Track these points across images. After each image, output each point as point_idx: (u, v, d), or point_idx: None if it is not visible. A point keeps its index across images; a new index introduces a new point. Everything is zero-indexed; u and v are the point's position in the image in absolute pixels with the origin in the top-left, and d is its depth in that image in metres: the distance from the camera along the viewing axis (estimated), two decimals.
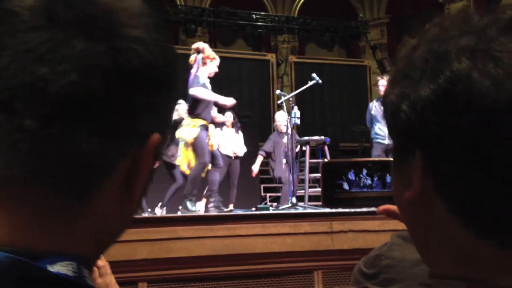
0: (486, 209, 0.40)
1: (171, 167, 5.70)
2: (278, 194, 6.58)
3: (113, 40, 0.38)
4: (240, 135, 6.35)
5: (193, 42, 9.91)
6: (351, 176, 0.79)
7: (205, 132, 4.86)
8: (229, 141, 6.23)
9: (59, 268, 0.36)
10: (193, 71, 4.99)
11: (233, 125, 6.30)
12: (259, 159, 6.55)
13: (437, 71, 0.41)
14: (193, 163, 4.89)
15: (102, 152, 0.38)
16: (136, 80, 0.39)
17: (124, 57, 0.38)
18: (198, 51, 5.00)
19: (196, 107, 4.91)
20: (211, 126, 4.99)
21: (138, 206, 0.44)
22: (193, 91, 4.82)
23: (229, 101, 5.10)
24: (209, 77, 5.02)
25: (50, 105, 0.36)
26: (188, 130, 4.88)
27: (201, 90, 4.84)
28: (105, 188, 0.40)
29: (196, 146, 4.82)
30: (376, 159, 0.81)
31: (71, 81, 0.36)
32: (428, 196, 0.43)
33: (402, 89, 0.44)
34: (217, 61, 5.05)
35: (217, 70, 5.09)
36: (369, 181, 0.79)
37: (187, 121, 4.97)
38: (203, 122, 4.86)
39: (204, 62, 4.96)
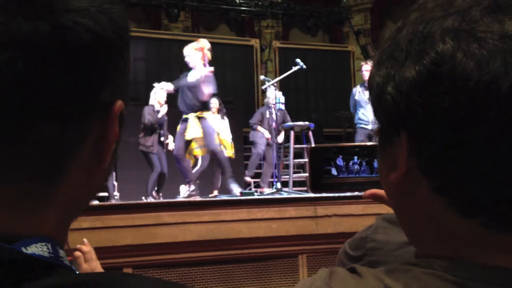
0: (470, 189, 0.40)
1: (149, 156, 5.68)
2: (258, 171, 6.63)
3: (56, 16, 0.36)
4: (226, 121, 6.31)
5: (176, 27, 9.84)
6: (339, 161, 0.80)
7: (183, 125, 4.99)
8: (215, 127, 6.19)
9: (34, 249, 0.36)
10: (203, 69, 5.02)
11: (218, 111, 6.25)
12: (261, 129, 6.49)
13: (422, 52, 0.41)
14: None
15: (67, 132, 0.38)
16: (87, 55, 0.38)
17: (71, 34, 0.37)
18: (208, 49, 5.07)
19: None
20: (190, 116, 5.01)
21: (108, 173, 0.44)
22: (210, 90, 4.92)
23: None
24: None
25: (1, 96, 0.35)
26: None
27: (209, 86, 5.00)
28: (75, 163, 0.40)
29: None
30: (363, 143, 0.81)
31: (18, 70, 0.35)
32: (413, 176, 0.43)
33: (387, 71, 0.44)
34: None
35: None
36: (356, 167, 0.80)
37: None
38: (184, 116, 5.01)
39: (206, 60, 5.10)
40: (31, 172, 0.38)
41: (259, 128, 6.44)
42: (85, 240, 1.44)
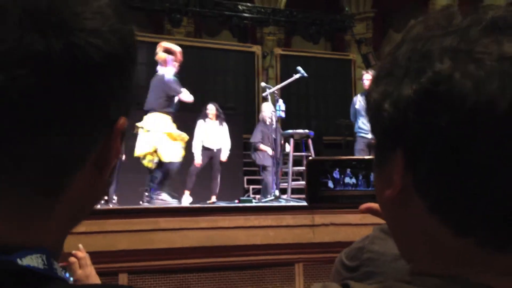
0: (464, 208, 0.40)
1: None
2: (259, 186, 6.57)
3: (68, 35, 0.37)
4: (224, 128, 6.30)
5: (179, 32, 9.87)
6: (336, 174, 0.79)
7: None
8: (211, 134, 6.19)
9: (29, 261, 0.36)
10: (165, 70, 5.00)
11: (216, 117, 6.24)
12: (264, 147, 6.36)
13: (420, 70, 0.41)
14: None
15: (72, 147, 0.39)
16: (97, 74, 0.39)
17: (82, 53, 0.38)
18: (170, 52, 5.04)
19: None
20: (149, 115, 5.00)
21: (108, 186, 0.45)
22: (186, 97, 4.94)
23: (190, 98, 5.18)
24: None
25: (12, 109, 0.36)
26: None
27: (188, 94, 4.95)
28: (77, 177, 0.40)
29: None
30: (361, 157, 0.81)
31: (30, 85, 0.36)
32: (408, 194, 0.44)
33: (385, 87, 0.44)
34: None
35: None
36: (353, 180, 0.79)
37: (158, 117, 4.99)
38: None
39: (174, 65, 5.06)
40: (33, 185, 0.38)
41: (262, 146, 6.33)
42: (80, 246, 1.43)
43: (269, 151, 6.20)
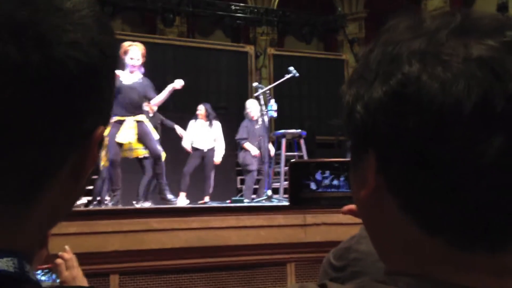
0: (434, 208, 0.41)
1: (142, 160, 5.63)
2: (255, 186, 6.55)
3: (46, 48, 0.37)
4: (216, 128, 6.27)
5: (171, 32, 9.85)
6: (318, 176, 0.80)
7: (117, 127, 4.68)
8: (201, 134, 6.17)
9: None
10: (141, 75, 4.86)
11: (206, 118, 6.23)
12: (248, 145, 6.17)
13: (389, 73, 0.42)
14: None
15: (47, 157, 0.39)
16: (75, 86, 0.39)
17: (61, 66, 0.38)
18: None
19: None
20: (128, 119, 4.73)
21: (83, 192, 0.45)
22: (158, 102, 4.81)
23: (178, 83, 4.96)
24: (133, 70, 4.87)
25: None
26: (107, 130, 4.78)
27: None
28: (52, 186, 0.40)
29: (108, 144, 4.68)
30: (342, 159, 0.81)
31: (6, 97, 0.36)
32: (381, 194, 0.44)
33: (357, 90, 0.45)
34: (130, 53, 4.82)
35: (132, 62, 4.83)
36: (335, 182, 0.79)
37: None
38: (116, 118, 4.68)
39: (123, 59, 4.79)
40: (7, 193, 0.38)
41: (246, 145, 6.17)
42: (66, 247, 1.43)
43: (253, 151, 6.08)
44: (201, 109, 6.19)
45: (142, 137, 4.80)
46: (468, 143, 0.39)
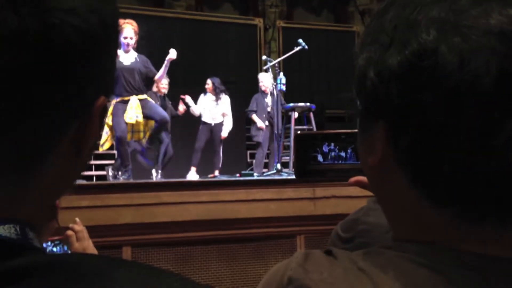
0: (443, 181, 0.41)
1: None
2: (265, 160, 6.58)
3: (44, 13, 0.36)
4: (224, 102, 6.25)
5: (179, 5, 9.74)
6: (325, 148, 0.79)
7: (122, 106, 4.71)
8: (208, 108, 6.19)
9: (0, 231, 0.36)
10: (136, 53, 4.82)
11: (214, 92, 6.21)
12: (255, 117, 6.31)
13: (405, 41, 0.40)
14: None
15: (48, 125, 0.38)
16: (74, 53, 0.38)
17: (59, 32, 0.37)
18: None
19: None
20: (133, 98, 4.75)
21: (86, 165, 0.45)
22: (160, 77, 4.78)
23: (173, 54, 4.93)
24: (128, 47, 4.85)
25: None
26: (109, 110, 4.80)
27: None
28: (53, 155, 0.40)
29: (112, 123, 4.73)
30: (349, 131, 0.80)
31: (3, 63, 0.35)
32: (389, 164, 0.44)
33: (370, 55, 0.44)
34: (124, 31, 4.79)
35: (125, 41, 4.81)
36: (342, 153, 0.78)
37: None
38: (119, 98, 4.71)
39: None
40: (7, 163, 0.38)
41: (253, 117, 6.27)
42: (77, 219, 1.46)
43: (259, 123, 6.18)
44: (208, 83, 6.19)
45: (148, 111, 4.82)
46: (483, 121, 0.38)
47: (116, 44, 0.44)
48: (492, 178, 0.39)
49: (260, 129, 6.14)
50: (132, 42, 4.79)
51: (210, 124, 6.17)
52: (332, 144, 0.79)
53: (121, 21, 4.71)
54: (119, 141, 4.72)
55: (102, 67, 0.41)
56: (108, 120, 4.73)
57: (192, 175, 5.79)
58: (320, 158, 0.79)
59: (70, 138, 0.40)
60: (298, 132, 0.90)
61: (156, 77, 4.95)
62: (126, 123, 4.71)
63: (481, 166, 0.39)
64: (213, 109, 6.17)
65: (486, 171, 0.39)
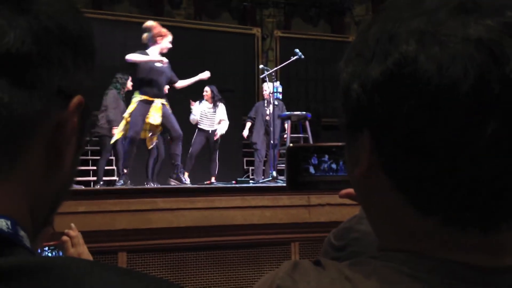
0: (427, 189, 0.41)
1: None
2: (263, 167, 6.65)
3: (23, 13, 0.39)
4: (220, 110, 6.33)
5: (179, 14, 9.79)
6: (314, 160, 0.78)
7: (144, 107, 4.86)
8: (206, 116, 6.25)
9: None
10: (149, 51, 4.99)
11: (211, 100, 6.28)
12: (248, 125, 6.59)
13: (387, 52, 0.42)
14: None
15: (22, 106, 0.39)
16: (49, 38, 0.40)
17: (36, 18, 0.40)
18: (147, 29, 4.99)
19: (139, 82, 4.98)
20: (157, 101, 4.94)
21: (72, 175, 0.45)
22: (128, 56, 4.87)
23: (205, 75, 5.18)
24: (162, 53, 5.03)
25: None
26: (130, 106, 5.00)
27: (134, 54, 4.88)
28: (30, 149, 0.40)
29: (130, 120, 4.88)
30: (340, 143, 0.81)
31: None
32: (375, 173, 0.45)
33: (354, 68, 0.45)
34: (169, 37, 5.03)
35: (170, 46, 5.05)
36: (334, 165, 0.79)
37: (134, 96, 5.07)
38: (143, 97, 4.88)
39: (155, 40, 4.96)
40: None
41: (247, 123, 6.53)
42: (72, 225, 1.47)
43: (244, 132, 6.50)
44: (207, 91, 6.25)
45: (165, 121, 4.99)
46: (463, 127, 0.38)
47: (92, 52, 0.45)
48: (474, 185, 0.40)
49: (245, 137, 6.31)
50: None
51: (207, 132, 6.22)
52: (325, 156, 0.79)
53: (165, 30, 5.01)
54: (130, 140, 4.86)
55: (77, 65, 0.43)
56: (127, 116, 4.90)
57: (186, 180, 5.84)
58: (312, 170, 0.79)
59: (47, 135, 0.41)
60: (291, 144, 0.92)
61: (178, 85, 5.15)
62: (143, 124, 4.86)
63: (462, 173, 0.40)
64: (211, 116, 6.24)
65: (468, 178, 0.39)
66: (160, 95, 4.96)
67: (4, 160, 0.39)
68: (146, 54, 4.91)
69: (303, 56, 5.42)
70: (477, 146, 0.38)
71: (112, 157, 6.47)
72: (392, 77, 0.41)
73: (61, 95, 0.41)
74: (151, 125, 4.97)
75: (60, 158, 0.42)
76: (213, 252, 3.76)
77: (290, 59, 5.54)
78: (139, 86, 5.01)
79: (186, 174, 5.89)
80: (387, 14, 0.45)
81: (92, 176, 6.53)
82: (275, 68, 5.87)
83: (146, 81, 4.85)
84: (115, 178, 6.63)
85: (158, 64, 4.90)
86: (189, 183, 5.57)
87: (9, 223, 0.36)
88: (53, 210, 0.45)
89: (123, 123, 5.00)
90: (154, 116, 4.88)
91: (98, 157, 6.27)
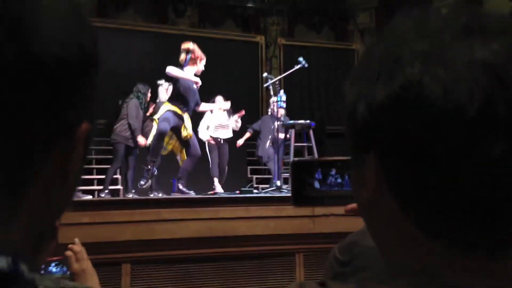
0: (434, 211, 0.41)
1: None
2: (265, 176, 6.64)
3: (22, 42, 0.37)
4: (231, 119, 6.39)
5: (183, 22, 9.84)
6: (319, 175, 0.79)
7: (173, 114, 5.04)
8: (219, 125, 6.27)
9: None
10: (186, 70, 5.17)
11: (224, 109, 6.31)
12: (246, 134, 6.68)
13: (392, 74, 0.42)
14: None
15: (30, 150, 0.38)
16: (52, 80, 0.38)
17: (37, 60, 0.37)
18: (188, 51, 5.14)
19: (173, 96, 5.17)
20: (186, 116, 5.13)
21: (73, 194, 0.45)
22: (169, 68, 5.04)
23: (226, 105, 5.49)
24: (196, 75, 5.21)
25: None
26: (159, 111, 5.18)
27: (175, 68, 5.05)
28: (37, 181, 0.40)
29: (159, 121, 5.05)
30: (346, 158, 0.81)
31: None
32: (382, 194, 0.45)
33: (359, 89, 0.45)
34: (204, 60, 5.24)
35: (203, 69, 5.28)
36: (339, 180, 0.79)
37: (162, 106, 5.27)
38: (174, 107, 5.06)
39: (194, 62, 5.15)
40: None
41: (246, 134, 6.69)
42: (76, 239, 1.47)
43: (240, 140, 6.63)
44: (220, 100, 6.27)
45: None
46: (469, 149, 0.38)
47: (97, 71, 0.44)
48: (481, 208, 0.39)
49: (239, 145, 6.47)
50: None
51: (220, 140, 6.26)
52: (329, 171, 0.79)
53: (201, 53, 5.20)
54: (159, 135, 4.99)
55: (82, 92, 0.42)
56: (156, 119, 5.08)
57: (218, 187, 5.91)
58: (316, 184, 0.79)
59: (54, 165, 0.41)
60: (295, 159, 0.92)
61: (200, 108, 5.43)
62: (170, 126, 5.01)
63: (469, 196, 0.40)
64: (224, 124, 6.29)
65: (474, 201, 0.40)
66: (188, 112, 5.17)
67: (8, 196, 0.38)
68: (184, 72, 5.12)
69: (306, 65, 5.42)
70: (484, 170, 0.38)
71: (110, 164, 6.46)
72: (398, 99, 0.41)
73: (68, 127, 0.41)
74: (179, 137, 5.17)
75: (65, 181, 0.42)
76: (217, 264, 3.75)
77: (294, 67, 5.54)
78: (171, 99, 5.20)
79: (216, 179, 5.98)
80: (391, 35, 0.45)
81: (97, 185, 6.54)
82: (279, 77, 5.87)
83: (181, 97, 5.07)
84: (119, 187, 6.64)
85: (194, 85, 5.13)
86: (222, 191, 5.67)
87: (9, 260, 0.36)
88: (56, 222, 0.45)
89: (155, 126, 5.17)
90: (188, 128, 5.10)
91: (104, 166, 6.29)
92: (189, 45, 5.22)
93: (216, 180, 6.03)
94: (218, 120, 6.29)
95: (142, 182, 5.11)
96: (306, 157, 6.18)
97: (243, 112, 6.40)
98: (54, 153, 0.40)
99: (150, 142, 5.28)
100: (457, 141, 0.39)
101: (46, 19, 0.39)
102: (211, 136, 6.25)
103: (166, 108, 5.11)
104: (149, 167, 5.10)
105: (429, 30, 0.42)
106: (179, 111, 5.07)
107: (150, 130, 5.95)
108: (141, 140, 5.86)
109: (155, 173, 5.19)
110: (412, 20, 0.44)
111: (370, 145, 0.44)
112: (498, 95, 0.38)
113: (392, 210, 0.44)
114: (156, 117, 5.16)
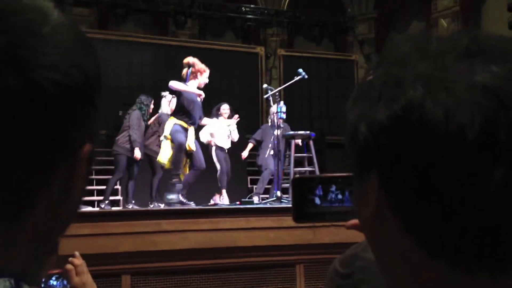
0: (435, 231, 0.41)
1: (153, 159, 5.85)
2: (268, 186, 6.64)
3: (25, 72, 0.38)
4: (234, 128, 6.40)
5: (183, 34, 9.91)
6: (320, 191, 0.80)
7: (181, 128, 5.11)
8: (225, 133, 6.26)
9: None
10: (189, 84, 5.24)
11: (229, 117, 6.31)
12: (249, 146, 6.65)
13: (393, 97, 0.42)
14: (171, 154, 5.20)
15: (32, 177, 0.39)
16: (56, 107, 0.39)
17: (40, 89, 0.38)
18: (189, 65, 5.23)
19: (178, 110, 5.24)
20: (191, 129, 5.21)
21: (76, 213, 0.46)
22: (171, 83, 5.11)
23: (201, 93, 5.35)
24: (199, 88, 5.28)
25: None
26: (166, 127, 5.24)
27: (178, 83, 5.12)
28: (41, 203, 0.41)
29: (172, 136, 5.10)
30: (346, 174, 0.81)
31: None
32: (384, 214, 0.45)
33: (361, 110, 0.46)
34: (207, 72, 5.30)
35: (207, 81, 5.34)
36: (340, 196, 0.78)
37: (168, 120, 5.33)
38: (180, 122, 5.14)
39: (195, 75, 5.21)
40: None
41: (249, 145, 6.67)
42: (76, 253, 1.47)
43: (244, 152, 6.64)
44: (225, 109, 6.27)
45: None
46: (470, 172, 0.39)
47: (99, 93, 0.45)
48: (482, 228, 0.40)
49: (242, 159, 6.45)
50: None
51: (225, 149, 6.25)
52: (330, 187, 0.80)
53: (204, 66, 5.30)
54: (178, 146, 5.06)
55: (85, 115, 0.43)
56: (168, 135, 5.16)
57: (225, 199, 5.87)
58: (317, 200, 0.80)
59: (57, 186, 0.42)
60: (296, 175, 0.92)
61: (202, 122, 5.57)
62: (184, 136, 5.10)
63: (470, 216, 0.40)
64: (229, 133, 6.30)
65: (475, 221, 0.40)
66: (193, 125, 5.24)
67: (13, 221, 0.39)
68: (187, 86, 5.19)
69: (306, 76, 5.46)
70: (485, 191, 0.39)
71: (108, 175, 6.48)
72: (399, 121, 0.41)
73: (71, 150, 0.42)
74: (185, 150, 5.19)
75: (68, 200, 0.43)
76: (218, 275, 3.74)
77: (294, 79, 5.58)
78: (176, 113, 5.27)
79: (224, 191, 5.95)
80: (393, 56, 0.45)
81: (97, 196, 6.54)
82: (279, 88, 5.90)
83: (186, 111, 5.14)
84: (119, 197, 6.64)
85: (197, 98, 5.20)
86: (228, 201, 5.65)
87: (12, 281, 0.37)
88: (58, 237, 0.46)
89: (167, 143, 5.19)
90: (191, 142, 5.13)
91: (104, 177, 6.29)
92: (189, 59, 5.30)
93: (224, 191, 5.99)
94: (223, 130, 6.30)
95: (170, 197, 5.13)
96: (306, 167, 6.21)
97: (237, 117, 6.36)
98: (56, 175, 0.41)
99: (162, 160, 5.27)
100: (458, 164, 0.39)
101: (47, 48, 0.39)
102: (217, 145, 6.21)
103: (172, 122, 5.17)
104: (174, 180, 5.14)
105: (430, 52, 0.43)
106: (184, 125, 5.14)
107: (152, 143, 5.97)
108: (137, 153, 5.79)
109: (181, 187, 5.20)
110: (414, 42, 0.45)
111: (372, 165, 0.44)
112: (499, 118, 0.38)
113: (394, 228, 0.44)
114: (165, 134, 5.20)
